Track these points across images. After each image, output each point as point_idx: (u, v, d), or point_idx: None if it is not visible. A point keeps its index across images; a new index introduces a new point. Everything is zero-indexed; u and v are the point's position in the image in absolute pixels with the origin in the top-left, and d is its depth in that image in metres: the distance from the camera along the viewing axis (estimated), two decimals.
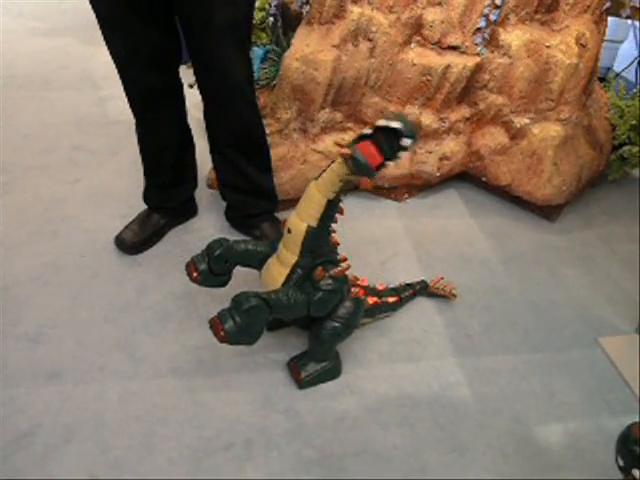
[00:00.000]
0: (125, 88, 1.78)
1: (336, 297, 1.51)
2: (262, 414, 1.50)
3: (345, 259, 1.55)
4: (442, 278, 1.89)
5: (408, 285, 1.85)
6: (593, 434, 1.53)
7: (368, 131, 1.29)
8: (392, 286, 1.80)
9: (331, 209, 1.43)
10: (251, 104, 1.85)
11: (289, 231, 1.46)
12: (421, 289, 1.87)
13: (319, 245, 1.48)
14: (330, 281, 1.47)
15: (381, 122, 1.27)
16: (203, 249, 1.54)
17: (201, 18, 1.61)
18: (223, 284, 1.60)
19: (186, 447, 1.42)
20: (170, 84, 1.83)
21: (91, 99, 2.96)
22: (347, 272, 1.53)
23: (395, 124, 1.26)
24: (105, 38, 1.68)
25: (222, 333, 1.31)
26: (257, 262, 1.58)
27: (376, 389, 1.60)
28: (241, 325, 1.31)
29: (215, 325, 1.32)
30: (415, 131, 1.29)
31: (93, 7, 1.63)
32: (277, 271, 1.50)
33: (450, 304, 1.89)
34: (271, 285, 1.50)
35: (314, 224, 1.43)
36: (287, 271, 1.48)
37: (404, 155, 1.32)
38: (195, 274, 1.53)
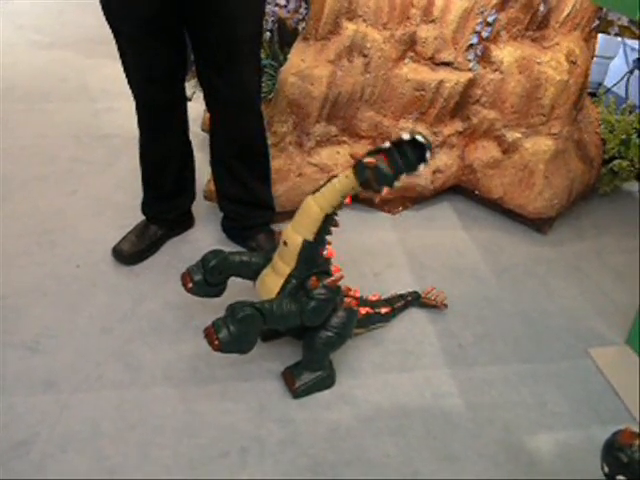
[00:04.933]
0: (135, 101, 1.83)
1: (329, 306, 1.53)
2: (257, 423, 1.52)
3: (338, 270, 1.58)
4: (434, 288, 1.92)
5: (401, 296, 1.87)
6: (583, 443, 1.55)
7: (386, 145, 1.32)
8: (385, 297, 1.83)
9: (328, 223, 1.46)
10: (259, 115, 1.90)
11: (285, 244, 1.49)
12: (413, 300, 1.89)
13: (314, 257, 1.51)
14: (323, 290, 1.50)
15: (406, 135, 1.31)
16: (198, 260, 1.57)
17: (220, 32, 1.66)
18: (218, 294, 1.62)
19: (182, 455, 1.43)
20: (177, 97, 1.88)
21: (89, 112, 2.99)
22: (340, 282, 1.56)
23: (421, 138, 1.31)
24: (120, 52, 1.74)
25: (216, 342, 1.33)
26: (251, 273, 1.60)
27: (369, 399, 1.62)
28: (235, 334, 1.34)
29: (210, 334, 1.35)
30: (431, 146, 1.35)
31: (108, 20, 1.69)
32: (272, 281, 1.53)
33: (443, 315, 1.91)
34: (266, 295, 1.53)
35: (310, 238, 1.46)
36: (281, 281, 1.51)
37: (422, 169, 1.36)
38: (190, 284, 1.56)
